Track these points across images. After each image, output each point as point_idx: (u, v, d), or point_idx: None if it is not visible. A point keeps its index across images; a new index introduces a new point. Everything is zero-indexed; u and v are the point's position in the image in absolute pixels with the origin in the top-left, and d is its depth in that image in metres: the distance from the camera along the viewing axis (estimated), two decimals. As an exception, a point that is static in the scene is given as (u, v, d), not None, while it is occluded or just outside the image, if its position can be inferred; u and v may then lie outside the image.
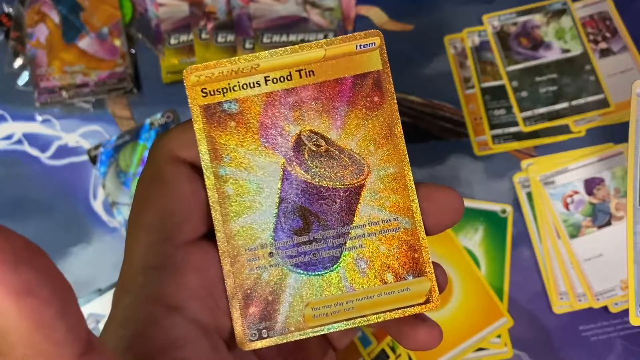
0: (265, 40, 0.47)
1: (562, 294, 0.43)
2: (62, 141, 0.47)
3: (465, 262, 0.44)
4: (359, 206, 0.21)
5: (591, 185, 0.45)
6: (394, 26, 0.50)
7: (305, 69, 0.21)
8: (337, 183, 0.21)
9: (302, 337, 0.21)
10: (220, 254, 0.21)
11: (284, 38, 0.47)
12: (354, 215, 0.21)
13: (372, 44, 0.21)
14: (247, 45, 0.47)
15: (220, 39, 0.47)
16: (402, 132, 0.21)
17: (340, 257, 0.21)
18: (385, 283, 0.21)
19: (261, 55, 0.21)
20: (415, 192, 0.21)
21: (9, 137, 0.47)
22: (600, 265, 0.43)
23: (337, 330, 0.21)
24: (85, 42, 0.46)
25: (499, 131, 0.47)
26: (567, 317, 0.43)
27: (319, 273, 0.21)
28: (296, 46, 0.21)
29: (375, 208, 0.21)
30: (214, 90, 0.21)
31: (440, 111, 0.48)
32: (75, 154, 0.47)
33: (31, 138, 0.47)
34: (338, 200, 0.21)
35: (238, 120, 0.21)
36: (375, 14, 0.50)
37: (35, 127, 0.47)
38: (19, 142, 0.47)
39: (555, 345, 0.43)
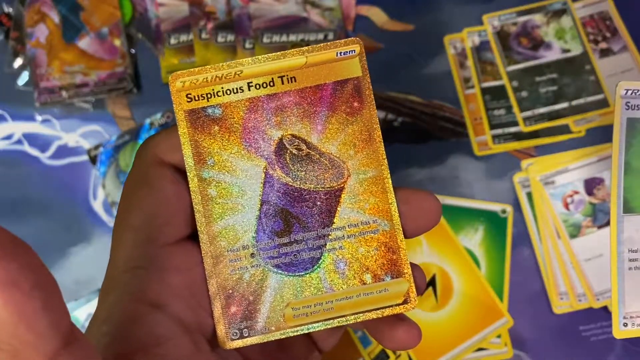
0: (265, 40, 0.47)
1: (562, 294, 0.43)
2: (62, 141, 0.47)
3: (466, 262, 0.44)
4: (339, 208, 0.22)
5: (591, 185, 0.45)
6: (394, 26, 0.49)
7: (287, 75, 0.22)
8: (318, 186, 0.22)
9: (283, 336, 0.21)
10: (203, 254, 0.21)
11: (284, 38, 0.47)
12: (334, 218, 0.22)
13: (352, 51, 0.22)
14: (247, 45, 0.47)
15: (220, 39, 0.47)
16: (381, 136, 0.22)
17: (321, 259, 0.22)
18: (364, 284, 0.22)
19: (244, 61, 0.22)
20: (394, 195, 0.22)
21: (8, 137, 0.47)
22: (600, 265, 0.43)
23: (317, 330, 0.22)
24: (85, 42, 0.46)
25: (499, 131, 0.47)
26: (567, 317, 0.43)
27: (300, 274, 0.22)
28: (278, 53, 0.22)
29: (355, 210, 0.22)
30: (198, 96, 0.22)
31: (440, 111, 0.47)
32: (75, 154, 0.47)
33: (31, 138, 0.47)
34: (318, 203, 0.22)
35: (221, 125, 0.22)
36: (375, 14, 0.50)
37: (35, 127, 0.47)
38: (19, 142, 0.47)
39: (555, 345, 0.43)
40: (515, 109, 0.47)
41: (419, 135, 0.47)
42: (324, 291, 0.22)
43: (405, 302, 0.22)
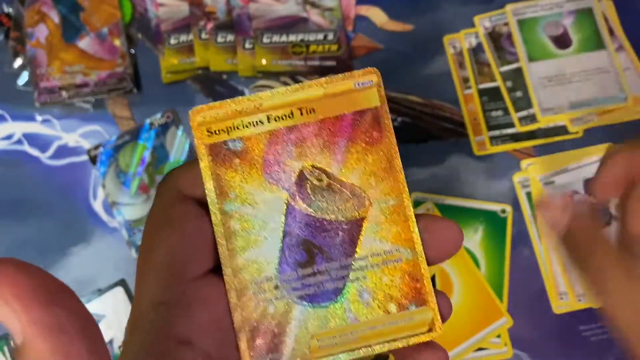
0: (265, 40, 0.47)
1: (562, 293, 0.43)
2: (62, 141, 0.47)
3: (465, 262, 0.44)
4: (361, 238, 0.22)
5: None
6: (394, 26, 0.50)
7: (306, 107, 0.22)
8: (340, 216, 0.22)
9: None
10: (227, 288, 0.21)
11: (283, 38, 0.47)
12: (356, 247, 0.22)
13: (369, 82, 0.22)
14: (247, 45, 0.47)
15: (220, 39, 0.47)
16: (401, 165, 0.22)
17: (344, 289, 0.22)
18: (389, 313, 0.22)
19: (264, 95, 0.22)
20: (415, 224, 0.22)
21: (9, 137, 0.47)
22: (600, 265, 0.43)
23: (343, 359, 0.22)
24: (85, 42, 0.46)
25: (496, 132, 0.47)
26: (567, 317, 0.43)
27: (324, 305, 0.22)
28: (297, 85, 0.22)
29: (377, 240, 0.22)
30: (219, 130, 0.22)
31: (440, 111, 0.48)
32: (75, 154, 0.47)
33: (31, 138, 0.47)
34: (341, 233, 0.22)
35: (242, 158, 0.22)
36: (375, 14, 0.50)
37: (35, 127, 0.47)
38: (19, 142, 0.47)
39: (555, 345, 0.43)
40: (511, 109, 0.47)
41: (419, 135, 0.47)
42: (349, 322, 0.22)
43: (430, 330, 0.22)
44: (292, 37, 0.47)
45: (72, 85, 0.46)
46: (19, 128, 0.47)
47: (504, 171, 0.46)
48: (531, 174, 0.45)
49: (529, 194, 0.45)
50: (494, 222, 0.45)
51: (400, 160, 0.22)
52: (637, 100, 0.47)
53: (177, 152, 0.46)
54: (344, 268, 0.22)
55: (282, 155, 0.22)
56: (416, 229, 0.22)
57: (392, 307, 0.22)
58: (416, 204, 0.46)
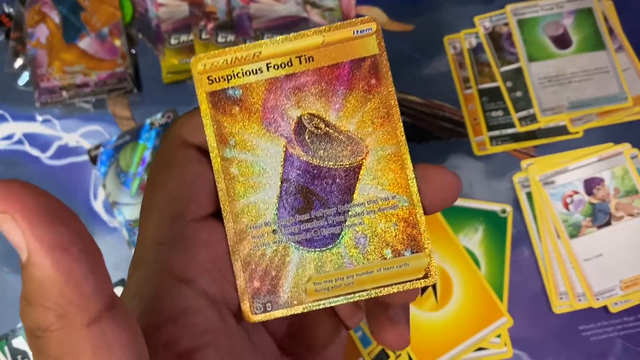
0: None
1: (562, 293, 0.43)
2: (62, 141, 0.47)
3: (465, 262, 0.45)
4: (358, 185, 0.22)
5: (591, 185, 0.45)
6: (394, 26, 0.50)
7: (304, 55, 0.22)
8: (337, 163, 0.22)
9: (305, 310, 0.22)
10: (226, 231, 0.22)
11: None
12: (353, 194, 0.22)
13: (368, 29, 0.22)
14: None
15: (220, 39, 0.47)
16: (399, 113, 0.22)
17: (341, 234, 0.22)
18: (384, 259, 0.22)
19: (263, 43, 0.22)
20: (412, 171, 0.22)
21: (9, 137, 0.47)
22: (600, 265, 0.43)
23: (339, 304, 0.22)
24: (85, 42, 0.46)
25: (496, 132, 0.47)
26: (567, 317, 0.43)
27: (321, 249, 0.22)
28: (296, 33, 0.22)
29: (374, 187, 0.22)
30: (219, 77, 0.22)
31: (440, 111, 0.48)
32: (75, 154, 0.47)
33: (31, 138, 0.47)
34: (338, 180, 0.22)
35: (242, 105, 0.22)
36: (375, 14, 0.50)
37: (35, 127, 0.47)
38: (20, 142, 0.47)
39: (555, 345, 0.44)
40: (511, 109, 0.47)
41: (419, 135, 0.47)
42: (345, 266, 0.22)
43: (425, 276, 0.22)
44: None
45: (72, 86, 0.46)
46: (19, 128, 0.47)
47: (504, 171, 0.46)
48: (531, 174, 0.45)
49: (529, 194, 0.45)
50: (494, 222, 0.45)
51: (398, 109, 0.22)
52: (637, 100, 0.47)
53: (177, 152, 0.46)
54: (340, 214, 0.22)
55: (280, 103, 0.22)
56: (413, 177, 0.22)
57: (388, 253, 0.22)
58: (416, 204, 0.46)
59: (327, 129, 0.22)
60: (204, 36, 0.47)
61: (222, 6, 0.47)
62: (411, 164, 0.22)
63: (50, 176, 0.46)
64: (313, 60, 0.22)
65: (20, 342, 0.43)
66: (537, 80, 0.47)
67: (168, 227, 0.21)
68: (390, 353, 0.42)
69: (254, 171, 0.22)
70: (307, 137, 0.22)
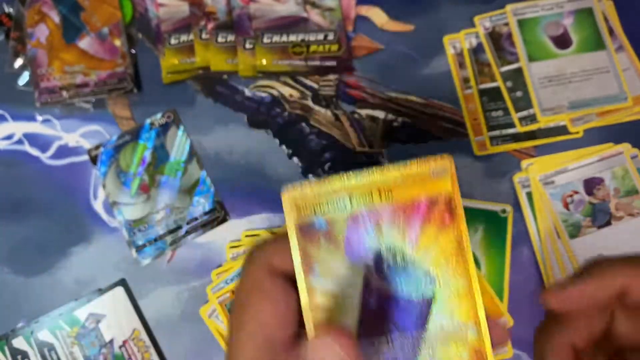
0: (265, 40, 0.47)
1: (562, 293, 0.43)
2: (62, 141, 0.47)
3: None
4: (431, 314, 0.24)
5: (591, 185, 0.45)
6: (394, 26, 0.50)
7: (384, 190, 0.24)
8: (413, 294, 0.24)
9: None
10: None
11: (284, 38, 0.47)
12: (427, 323, 0.24)
13: (444, 169, 0.24)
14: (247, 45, 0.47)
15: (220, 39, 0.47)
16: (469, 247, 0.24)
17: (416, 359, 0.24)
18: None
19: (347, 176, 0.24)
20: (482, 303, 0.23)
21: (9, 137, 0.47)
22: (600, 265, 0.43)
23: None
24: (85, 42, 0.46)
25: (496, 132, 0.47)
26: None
27: None
28: (377, 167, 0.24)
29: (446, 316, 0.24)
30: (307, 209, 0.24)
31: (440, 111, 0.48)
32: (75, 154, 0.47)
33: (31, 138, 0.47)
34: (413, 309, 0.24)
35: (327, 237, 0.24)
36: (375, 14, 0.50)
37: (35, 127, 0.47)
38: (20, 142, 0.47)
39: (555, 345, 0.44)
40: (511, 109, 0.47)
41: (419, 135, 0.47)
42: None
43: None
44: (293, 37, 0.47)
45: (72, 85, 0.46)
46: (19, 128, 0.47)
47: (504, 171, 0.46)
48: (531, 174, 0.45)
49: (529, 194, 0.45)
50: (494, 222, 0.45)
51: (469, 244, 0.24)
52: (637, 100, 0.47)
53: (177, 151, 0.46)
54: (415, 340, 0.24)
55: (362, 235, 0.24)
56: (482, 308, 0.23)
57: None
58: (416, 204, 0.46)
59: (404, 261, 0.24)
60: (204, 36, 0.47)
61: (222, 6, 0.47)
62: (481, 299, 0.24)
63: (50, 176, 0.46)
64: (392, 193, 0.24)
65: (20, 342, 0.43)
66: (537, 80, 0.47)
67: (262, 353, 0.23)
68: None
69: (337, 299, 0.24)
70: (385, 269, 0.24)
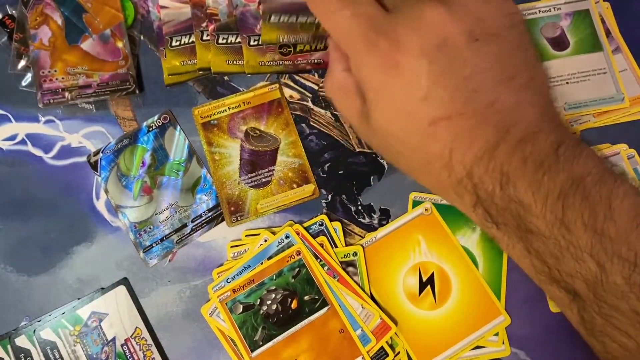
0: (272, 19, 0.45)
1: (559, 292, 0.44)
2: (65, 142, 0.47)
3: (463, 261, 0.45)
4: (277, 157, 0.46)
5: (588, 185, 0.45)
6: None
7: (246, 101, 0.47)
8: (266, 149, 0.46)
9: (257, 218, 0.45)
10: (215, 184, 0.46)
11: (292, 19, 0.46)
12: (275, 162, 0.46)
13: (274, 86, 0.48)
14: (252, 43, 0.47)
15: (221, 40, 0.48)
16: (294, 123, 0.47)
17: (271, 181, 0.46)
18: (292, 188, 0.46)
19: (227, 99, 0.47)
20: (303, 147, 0.47)
21: (12, 138, 0.47)
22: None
23: (271, 212, 0.46)
24: (88, 44, 0.47)
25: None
26: (565, 316, 0.44)
27: (262, 188, 0.46)
28: (242, 91, 0.48)
29: (285, 157, 0.46)
30: (205, 115, 0.47)
31: (439, 112, 0.48)
32: (78, 155, 0.47)
33: (34, 138, 0.47)
34: (267, 156, 0.46)
35: (218, 127, 0.47)
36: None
37: (38, 127, 0.48)
38: (23, 142, 0.47)
39: (553, 344, 0.44)
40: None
41: (418, 136, 0.47)
42: (274, 194, 0.46)
43: (313, 193, 0.47)
44: (302, 19, 0.46)
45: (75, 87, 0.46)
46: (22, 129, 0.48)
47: (502, 171, 0.46)
48: (529, 174, 0.46)
49: (526, 194, 0.45)
50: (492, 222, 0.45)
51: (293, 121, 0.47)
52: (634, 101, 0.47)
53: (176, 151, 0.47)
54: (270, 171, 0.46)
55: (236, 124, 0.47)
56: (302, 149, 0.47)
57: (294, 185, 0.46)
58: (414, 204, 0.46)
59: (260, 133, 0.47)
60: (205, 37, 0.48)
61: (223, 7, 0.48)
62: (302, 145, 0.47)
63: (53, 176, 0.47)
64: (250, 103, 0.47)
65: (22, 341, 0.43)
66: (535, 82, 0.48)
67: None
68: (389, 351, 0.42)
69: (226, 156, 0.46)
70: (251, 138, 0.46)
